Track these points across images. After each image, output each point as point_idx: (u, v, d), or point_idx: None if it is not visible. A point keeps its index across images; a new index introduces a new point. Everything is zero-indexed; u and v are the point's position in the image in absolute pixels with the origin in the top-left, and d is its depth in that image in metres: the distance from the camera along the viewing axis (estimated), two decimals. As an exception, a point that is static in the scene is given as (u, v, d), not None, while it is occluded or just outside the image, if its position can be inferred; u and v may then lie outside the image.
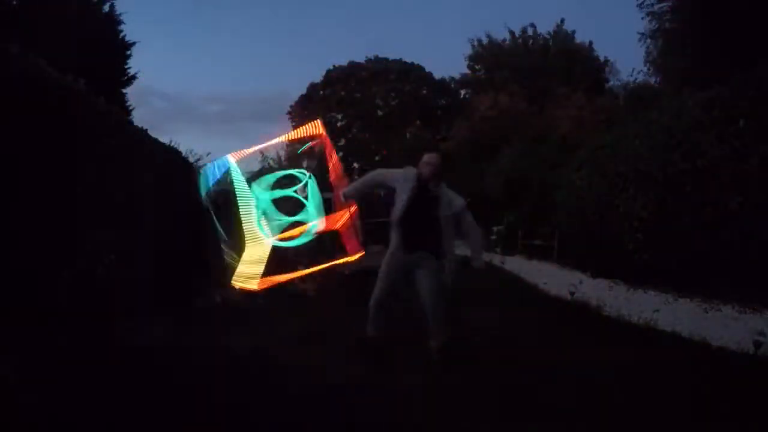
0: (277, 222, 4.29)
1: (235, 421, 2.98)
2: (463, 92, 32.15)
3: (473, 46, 29.17)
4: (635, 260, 8.08)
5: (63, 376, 3.29)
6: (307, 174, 4.45)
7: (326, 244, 6.19)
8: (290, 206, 4.73)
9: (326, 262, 4.15)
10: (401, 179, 4.11)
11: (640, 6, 13.95)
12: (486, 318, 5.88)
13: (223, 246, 3.91)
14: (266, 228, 4.19)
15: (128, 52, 15.12)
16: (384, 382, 3.61)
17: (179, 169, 7.96)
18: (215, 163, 4.21)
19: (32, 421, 2.73)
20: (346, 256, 4.33)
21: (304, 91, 34.23)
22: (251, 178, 4.56)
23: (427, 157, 4.17)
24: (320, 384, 3.57)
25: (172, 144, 9.37)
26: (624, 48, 59.05)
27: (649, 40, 15.25)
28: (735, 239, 6.37)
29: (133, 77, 15.34)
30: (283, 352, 4.35)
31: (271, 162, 31.51)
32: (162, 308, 5.47)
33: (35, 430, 2.70)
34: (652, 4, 13.75)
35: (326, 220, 4.25)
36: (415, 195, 4.03)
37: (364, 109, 32.14)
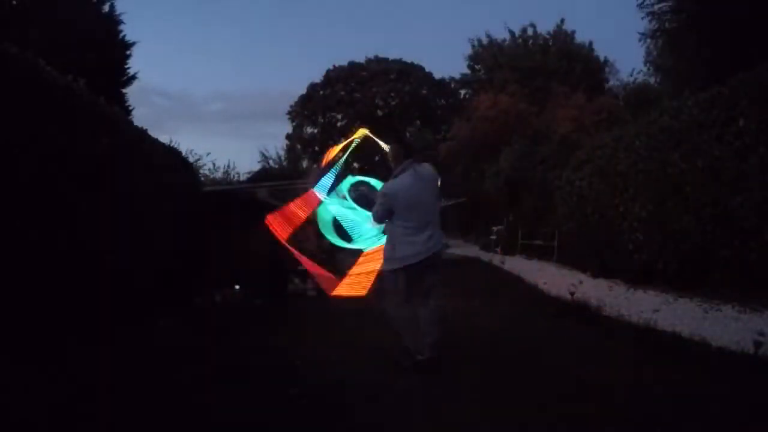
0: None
1: (234, 420, 2.98)
2: (463, 92, 32.14)
3: (473, 46, 29.19)
4: (635, 260, 8.08)
5: (65, 375, 3.29)
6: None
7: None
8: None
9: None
10: None
11: (640, 6, 13.96)
12: (486, 318, 5.88)
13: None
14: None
15: (128, 52, 15.10)
16: (384, 382, 3.61)
17: (179, 169, 7.97)
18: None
19: (31, 420, 2.73)
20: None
21: (304, 91, 34.25)
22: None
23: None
24: (320, 384, 3.57)
25: (173, 143, 9.36)
26: (624, 48, 59.15)
27: (649, 40, 15.27)
28: (735, 239, 6.37)
29: (133, 77, 15.32)
30: (283, 352, 4.35)
31: (271, 162, 31.53)
32: (162, 308, 5.47)
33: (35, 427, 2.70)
34: (652, 4, 13.75)
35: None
36: None
37: (364, 109, 32.12)
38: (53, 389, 3.07)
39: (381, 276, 3.86)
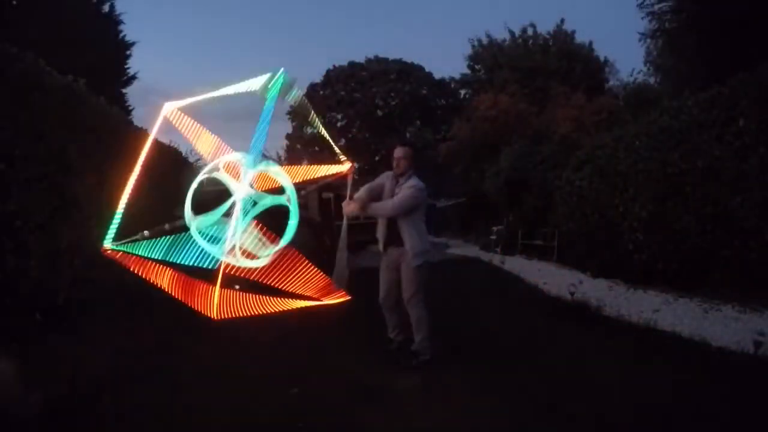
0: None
1: (235, 420, 2.98)
2: (463, 92, 32.13)
3: (473, 46, 29.17)
4: (635, 260, 8.08)
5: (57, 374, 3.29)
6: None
7: None
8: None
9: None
10: (386, 179, 4.16)
11: (640, 6, 13.96)
12: (486, 317, 5.89)
13: None
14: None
15: (128, 52, 15.13)
16: (384, 383, 3.61)
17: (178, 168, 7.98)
18: None
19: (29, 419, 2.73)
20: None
21: (304, 90, 34.21)
22: None
23: (396, 152, 4.12)
24: (320, 384, 3.57)
25: (172, 144, 9.38)
26: (624, 48, 59.11)
27: (649, 40, 15.28)
28: (735, 239, 6.37)
29: (133, 77, 15.36)
30: (284, 352, 4.35)
31: (271, 162, 31.54)
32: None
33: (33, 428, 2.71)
34: (652, 4, 13.75)
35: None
36: (391, 193, 4.07)
37: (364, 109, 32.12)
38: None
39: (418, 272, 3.89)
